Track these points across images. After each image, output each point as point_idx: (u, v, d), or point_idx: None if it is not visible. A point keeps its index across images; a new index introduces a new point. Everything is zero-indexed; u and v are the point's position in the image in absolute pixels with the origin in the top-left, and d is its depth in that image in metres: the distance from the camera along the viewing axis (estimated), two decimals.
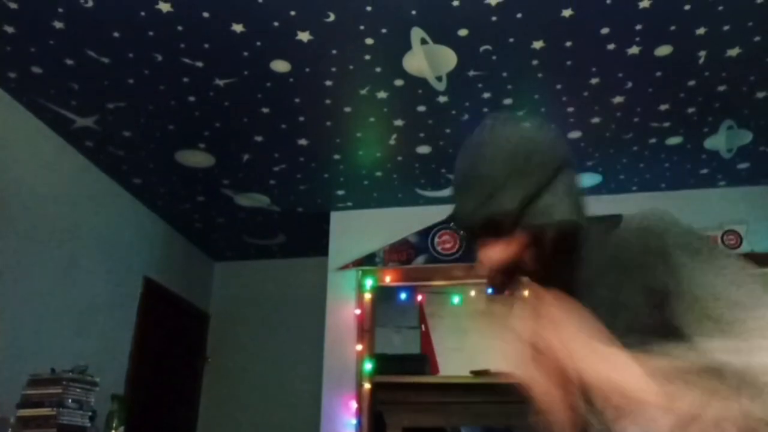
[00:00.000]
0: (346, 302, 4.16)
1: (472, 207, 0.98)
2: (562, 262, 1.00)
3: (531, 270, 1.00)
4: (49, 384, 2.76)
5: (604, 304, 0.95)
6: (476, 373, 3.90)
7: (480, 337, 4.40)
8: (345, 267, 4.23)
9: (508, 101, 3.19)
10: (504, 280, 1.02)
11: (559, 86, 3.08)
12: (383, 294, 4.25)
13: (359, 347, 4.00)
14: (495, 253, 0.99)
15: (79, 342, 3.61)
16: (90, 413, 2.84)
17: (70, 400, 2.75)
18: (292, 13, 2.59)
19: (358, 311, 4.11)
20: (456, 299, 4.53)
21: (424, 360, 4.04)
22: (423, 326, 4.40)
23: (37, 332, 3.30)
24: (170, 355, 4.73)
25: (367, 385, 3.89)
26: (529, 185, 0.96)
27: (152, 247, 4.54)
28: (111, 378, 3.74)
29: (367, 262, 4.22)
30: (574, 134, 3.49)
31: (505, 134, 1.01)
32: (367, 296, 4.14)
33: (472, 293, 4.08)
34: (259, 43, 2.77)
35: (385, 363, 3.92)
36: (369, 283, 4.15)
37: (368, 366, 3.95)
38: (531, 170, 0.97)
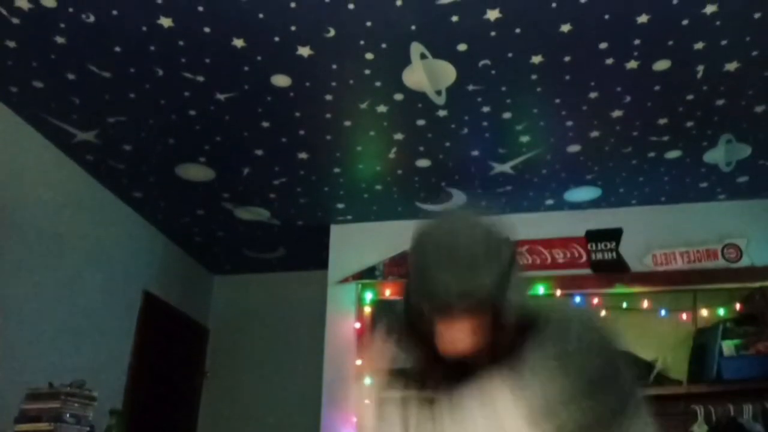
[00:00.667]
0: (346, 316, 4.15)
1: (462, 281, 1.00)
2: (514, 346, 1.06)
3: (488, 351, 1.04)
4: (47, 398, 2.75)
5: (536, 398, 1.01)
6: None
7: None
8: (345, 280, 4.22)
9: (507, 115, 3.21)
10: (465, 358, 1.05)
11: (558, 100, 3.10)
12: (383, 308, 4.24)
13: (359, 362, 3.98)
14: (467, 332, 1.02)
15: (78, 356, 3.59)
16: (88, 428, 2.82)
17: (68, 415, 2.73)
18: (293, 28, 2.61)
19: (357, 325, 4.10)
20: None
21: None
22: None
23: (35, 346, 3.29)
24: (169, 370, 4.71)
25: (367, 401, 3.86)
26: (501, 268, 1.03)
27: (152, 260, 4.54)
28: (109, 392, 3.72)
29: (367, 275, 4.21)
30: (574, 148, 3.50)
31: (475, 220, 1.10)
32: (367, 310, 4.13)
33: None
34: (259, 58, 2.78)
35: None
36: (369, 296, 4.14)
37: (368, 380, 3.92)
38: (503, 254, 1.04)
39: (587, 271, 4.07)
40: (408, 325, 1.11)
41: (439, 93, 3.03)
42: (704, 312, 3.92)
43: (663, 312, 3.96)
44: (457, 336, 1.02)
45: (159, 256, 4.64)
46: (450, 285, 0.99)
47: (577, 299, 3.94)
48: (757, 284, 3.81)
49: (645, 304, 3.96)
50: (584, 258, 4.10)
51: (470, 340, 1.02)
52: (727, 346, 3.55)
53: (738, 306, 3.86)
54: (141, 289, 4.35)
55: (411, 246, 1.08)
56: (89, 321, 3.75)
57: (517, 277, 1.07)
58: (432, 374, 1.10)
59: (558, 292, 3.93)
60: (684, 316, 3.96)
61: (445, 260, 1.01)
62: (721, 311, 3.89)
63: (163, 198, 4.13)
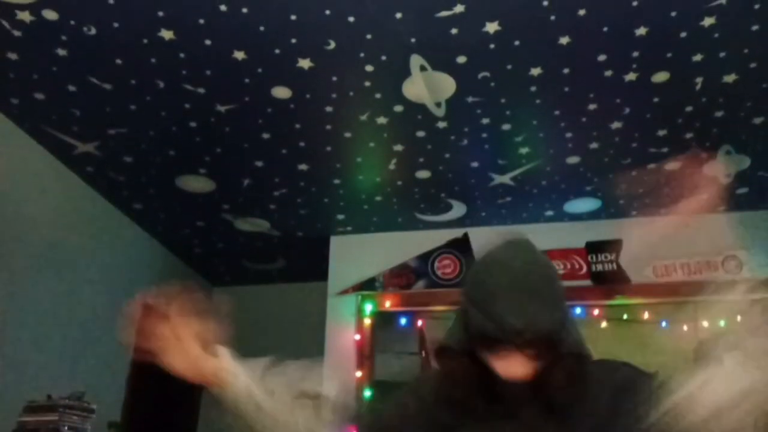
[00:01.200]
0: (346, 327, 4.14)
1: (536, 314, 1.00)
2: (570, 390, 1.07)
3: (546, 380, 1.06)
4: (45, 411, 2.73)
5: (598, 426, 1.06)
6: None
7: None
8: (344, 292, 4.21)
9: (506, 127, 3.21)
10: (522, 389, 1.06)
11: (557, 112, 3.11)
12: (383, 319, 4.23)
13: (359, 374, 3.96)
14: (530, 361, 1.03)
15: (76, 368, 3.58)
16: None
17: (66, 428, 2.72)
18: (293, 40, 2.62)
19: (357, 337, 4.08)
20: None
21: None
22: (423, 352, 4.36)
23: (34, 358, 3.28)
24: (168, 382, 4.67)
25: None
26: (564, 302, 1.08)
27: (151, 272, 4.53)
28: (108, 404, 3.69)
29: (367, 286, 4.21)
30: (573, 159, 3.51)
31: (542, 256, 1.12)
32: (367, 321, 4.12)
33: None
34: (260, 70, 2.79)
35: (385, 390, 3.88)
36: (369, 308, 4.13)
37: (368, 393, 3.91)
38: (563, 295, 1.08)
39: (587, 282, 4.06)
40: (462, 345, 1.10)
41: (438, 105, 3.04)
42: (705, 324, 3.91)
43: (664, 324, 3.95)
44: (520, 364, 1.04)
45: (158, 267, 4.63)
46: (522, 315, 0.99)
47: (578, 311, 3.93)
48: (758, 296, 3.79)
49: (646, 315, 3.95)
50: (584, 269, 4.10)
51: (531, 368, 1.04)
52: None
53: (739, 318, 3.84)
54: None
55: (478, 268, 1.10)
56: (88, 333, 3.73)
57: (574, 321, 1.11)
58: (473, 400, 1.09)
59: None
60: (685, 327, 3.95)
61: (518, 289, 1.02)
62: (722, 323, 3.87)
63: (163, 209, 4.13)
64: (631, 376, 1.13)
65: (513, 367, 1.04)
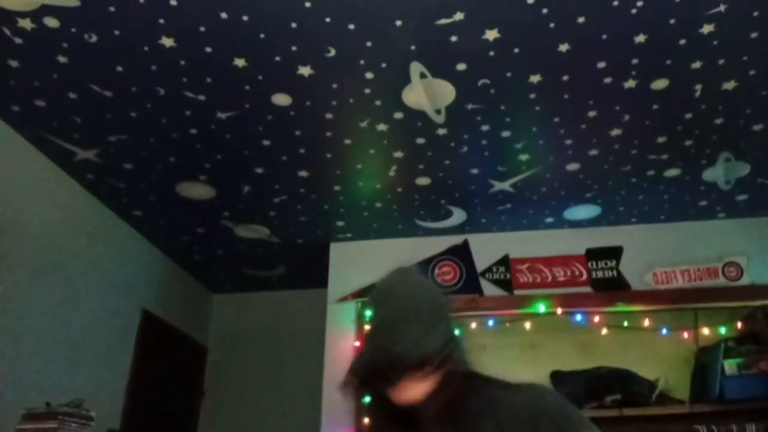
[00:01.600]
0: (346, 334, 4.13)
1: (411, 343, 1.10)
2: (453, 405, 1.16)
3: (428, 409, 1.16)
4: (44, 418, 2.72)
5: None
6: None
7: (481, 371, 4.35)
8: (344, 299, 4.21)
9: (506, 134, 3.22)
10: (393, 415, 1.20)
11: (556, 119, 3.11)
12: None
13: None
14: (411, 392, 1.14)
15: (75, 375, 3.57)
16: None
17: None
18: (294, 48, 2.63)
19: (357, 344, 4.07)
20: (456, 332, 4.49)
21: None
22: None
23: (33, 365, 3.27)
24: (167, 389, 4.67)
25: (366, 420, 3.83)
26: (446, 331, 1.16)
27: (151, 279, 4.52)
28: (107, 412, 3.69)
29: (367, 293, 4.19)
30: (573, 166, 3.51)
31: (420, 283, 1.22)
32: (367, 328, 4.10)
33: (473, 326, 4.05)
34: (260, 77, 2.80)
35: (385, 395, 3.86)
36: (369, 314, 4.12)
37: (368, 399, 3.88)
38: (445, 317, 1.18)
39: (588, 289, 4.06)
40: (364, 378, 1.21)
41: (438, 112, 3.05)
42: (705, 331, 3.90)
43: (664, 331, 3.94)
44: (404, 391, 1.15)
45: (158, 274, 4.63)
46: (403, 345, 1.10)
47: (578, 317, 3.92)
48: (758, 303, 3.79)
49: (646, 322, 3.94)
50: (585, 276, 4.10)
51: (420, 393, 1.15)
52: (729, 366, 3.52)
53: (739, 325, 3.84)
54: (140, 308, 4.33)
55: (368, 304, 1.23)
56: (87, 340, 3.73)
57: (460, 340, 1.21)
58: (389, 427, 1.23)
59: (559, 311, 3.92)
60: (685, 334, 3.94)
61: (392, 324, 1.14)
62: (723, 330, 3.87)
63: (163, 216, 4.13)
64: (533, 408, 1.15)
65: (400, 393, 1.16)
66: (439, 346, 1.13)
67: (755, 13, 2.47)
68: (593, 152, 3.39)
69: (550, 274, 4.11)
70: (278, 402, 4.98)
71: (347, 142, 3.29)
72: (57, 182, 3.54)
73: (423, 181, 3.66)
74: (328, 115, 3.07)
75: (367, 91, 2.90)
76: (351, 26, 2.52)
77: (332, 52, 2.66)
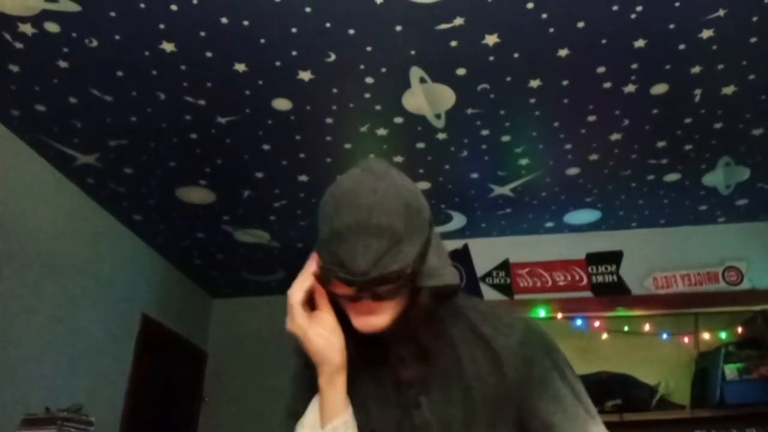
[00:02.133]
0: None
1: (382, 255, 0.88)
2: (431, 323, 0.99)
3: (405, 327, 0.96)
4: (43, 423, 2.71)
5: (456, 372, 0.98)
6: None
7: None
8: None
9: (506, 138, 3.22)
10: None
11: (556, 124, 3.12)
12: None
13: None
14: (383, 308, 0.93)
15: (75, 380, 3.56)
16: None
17: None
18: (294, 53, 2.63)
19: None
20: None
21: None
22: None
23: (32, 370, 3.26)
24: (166, 394, 4.66)
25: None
26: (420, 241, 0.93)
27: (151, 283, 4.52)
28: (106, 417, 3.68)
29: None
30: (573, 171, 3.52)
31: (396, 185, 0.97)
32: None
33: None
34: (260, 82, 2.81)
35: None
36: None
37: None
38: (421, 225, 0.94)
39: (588, 293, 4.05)
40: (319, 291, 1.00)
41: (438, 116, 3.05)
42: (706, 335, 3.89)
43: (665, 335, 3.93)
44: (372, 312, 0.93)
45: (158, 279, 4.62)
46: (372, 257, 0.88)
47: (579, 322, 3.92)
48: (759, 307, 3.78)
49: (646, 327, 3.93)
50: (585, 281, 4.09)
51: (386, 316, 0.94)
52: (730, 370, 3.51)
53: (740, 329, 3.83)
54: (139, 313, 4.33)
55: (327, 202, 0.99)
56: (87, 344, 3.72)
57: (442, 250, 1.01)
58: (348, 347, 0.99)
59: (559, 315, 3.91)
60: (686, 339, 3.93)
61: (362, 231, 0.89)
62: (723, 335, 3.86)
63: (163, 221, 4.13)
64: (514, 334, 0.98)
65: (361, 317, 0.94)
66: (416, 254, 0.91)
67: (754, 18, 2.48)
68: (593, 157, 3.39)
69: (550, 279, 4.11)
70: (278, 407, 4.96)
71: (347, 146, 3.29)
72: (57, 187, 3.54)
73: (423, 185, 3.67)
74: (328, 120, 3.07)
75: (367, 95, 2.90)
76: (351, 31, 2.52)
77: (332, 57, 2.66)
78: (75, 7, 2.41)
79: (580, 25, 2.50)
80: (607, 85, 2.84)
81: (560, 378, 0.98)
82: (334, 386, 0.98)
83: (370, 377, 1.01)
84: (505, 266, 4.19)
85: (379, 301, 0.92)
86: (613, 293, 4.01)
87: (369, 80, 2.80)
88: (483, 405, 0.95)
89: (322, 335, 0.97)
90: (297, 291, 1.00)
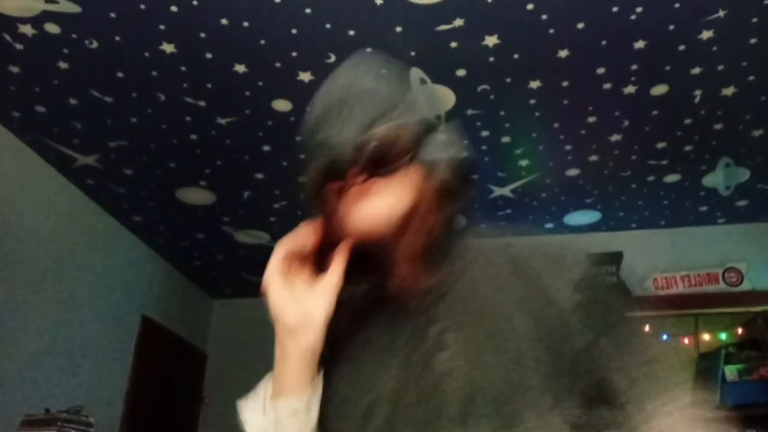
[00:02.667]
0: None
1: (370, 120, 0.73)
2: (449, 228, 0.77)
3: (416, 225, 0.73)
4: (43, 425, 2.71)
5: (492, 313, 0.72)
6: None
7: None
8: None
9: (506, 139, 3.22)
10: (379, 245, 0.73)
11: (556, 125, 3.12)
12: None
13: None
14: (385, 192, 0.72)
15: (74, 381, 3.56)
16: None
17: None
18: (294, 54, 2.63)
19: None
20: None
21: None
22: None
23: (32, 371, 3.26)
24: (166, 396, 4.66)
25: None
26: (423, 113, 0.77)
27: (150, 285, 4.52)
28: (106, 419, 3.67)
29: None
30: (573, 172, 3.51)
31: (392, 65, 0.82)
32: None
33: None
34: (260, 83, 2.81)
35: None
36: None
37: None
38: (423, 100, 0.79)
39: None
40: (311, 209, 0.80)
41: (438, 117, 3.05)
42: (706, 336, 3.89)
43: (665, 336, 3.93)
44: (369, 194, 0.72)
45: (158, 280, 4.62)
46: (350, 128, 0.73)
47: None
48: (759, 308, 3.78)
49: (646, 328, 3.92)
50: None
51: (387, 198, 0.72)
52: (730, 372, 3.51)
53: (740, 330, 3.83)
54: (139, 314, 4.32)
55: (311, 102, 0.84)
56: (86, 346, 3.72)
57: (455, 132, 0.81)
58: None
59: None
60: (686, 340, 3.93)
61: (344, 99, 0.77)
62: (723, 336, 3.86)
63: (163, 222, 4.13)
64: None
65: (350, 215, 0.73)
66: (416, 120, 0.75)
67: (754, 19, 2.48)
68: (593, 158, 3.39)
69: None
70: None
71: None
72: (57, 188, 3.54)
73: None
74: None
75: None
76: (351, 32, 2.52)
77: (332, 58, 2.66)
78: (75, 8, 2.41)
79: (580, 26, 2.50)
80: (607, 86, 2.84)
81: (634, 333, 0.76)
82: (286, 356, 0.78)
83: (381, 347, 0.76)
84: None
85: (376, 181, 0.72)
86: None
87: None
88: (534, 362, 0.69)
89: (285, 291, 0.77)
90: (284, 243, 0.81)
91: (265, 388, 0.81)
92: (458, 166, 0.77)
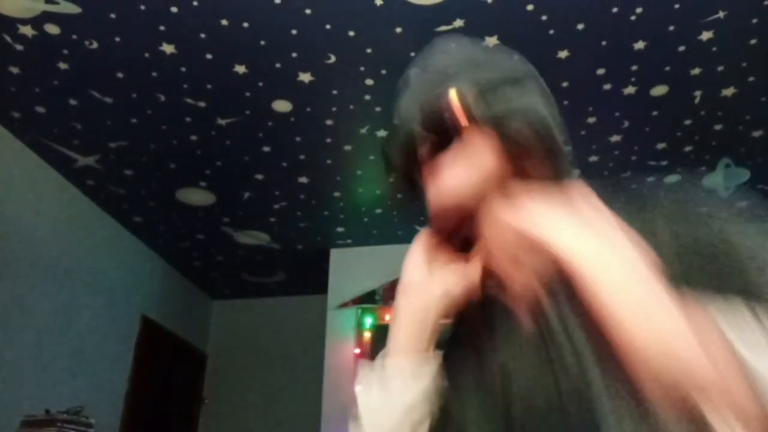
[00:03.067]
0: (346, 341, 4.12)
1: (416, 103, 0.70)
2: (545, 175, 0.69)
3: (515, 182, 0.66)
4: (43, 425, 2.72)
5: None
6: None
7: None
8: (344, 305, 4.20)
9: None
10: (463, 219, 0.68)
11: None
12: (383, 333, 4.20)
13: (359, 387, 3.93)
14: (452, 166, 0.67)
15: (74, 382, 3.56)
16: None
17: None
18: (294, 54, 2.64)
19: (357, 350, 4.06)
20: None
21: None
22: None
23: (32, 372, 3.26)
24: (166, 396, 4.66)
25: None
26: (487, 74, 0.71)
27: (151, 285, 4.52)
28: (106, 419, 3.67)
29: (367, 300, 4.19)
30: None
31: (471, 41, 0.77)
32: (367, 335, 4.10)
33: None
34: (260, 84, 2.81)
35: None
36: (369, 321, 4.12)
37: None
38: (492, 63, 0.73)
39: None
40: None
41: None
42: None
43: None
44: (439, 172, 0.68)
45: (158, 280, 4.62)
46: (410, 98, 0.71)
47: None
48: None
49: None
50: None
51: (457, 171, 0.67)
52: None
53: None
54: (139, 315, 4.32)
55: None
56: (87, 346, 3.72)
57: (536, 90, 0.74)
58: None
59: None
60: None
61: (405, 89, 0.73)
62: None
63: (163, 222, 4.13)
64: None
65: (434, 175, 0.69)
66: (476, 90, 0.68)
67: (754, 20, 2.48)
68: (593, 158, 3.39)
69: None
70: (278, 409, 4.97)
71: (347, 148, 3.29)
72: (57, 188, 3.54)
73: None
74: (329, 122, 3.07)
75: (367, 97, 2.90)
76: (351, 33, 2.52)
77: (332, 59, 2.66)
78: (75, 9, 2.41)
79: (580, 27, 2.50)
80: (607, 86, 2.84)
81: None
82: (398, 314, 0.72)
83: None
84: None
85: (443, 154, 0.68)
86: None
87: (369, 82, 2.80)
88: None
89: (420, 255, 0.75)
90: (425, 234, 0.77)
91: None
92: (533, 121, 0.69)
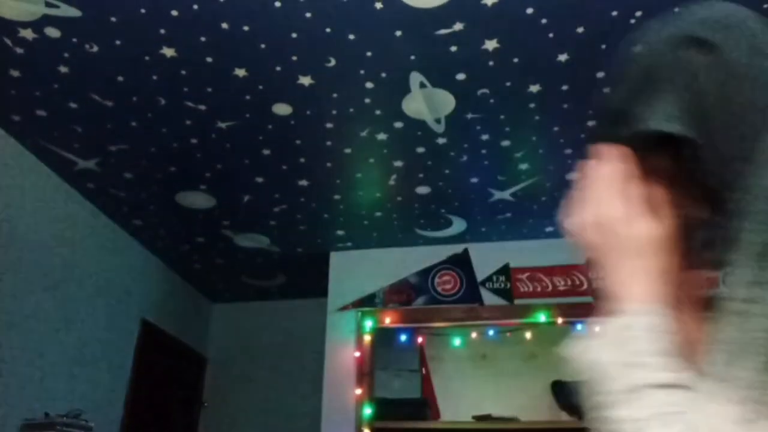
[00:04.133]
0: (346, 344, 4.12)
1: (623, 93, 0.66)
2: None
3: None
4: (43, 429, 2.71)
5: None
6: (478, 418, 3.83)
7: (481, 381, 4.33)
8: (344, 308, 4.20)
9: (506, 143, 3.22)
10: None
11: (556, 128, 3.12)
12: (383, 336, 4.21)
13: (359, 391, 3.94)
14: (589, 206, 0.62)
15: (74, 386, 3.55)
16: None
17: None
18: (294, 58, 2.64)
19: (357, 354, 4.06)
20: (457, 341, 4.48)
21: (425, 404, 3.97)
22: (423, 369, 4.34)
23: (31, 375, 3.25)
24: (167, 399, 4.65)
25: (366, 431, 3.81)
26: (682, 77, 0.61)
27: (150, 289, 4.52)
28: (106, 423, 3.67)
29: (367, 303, 4.19)
30: (573, 175, 3.51)
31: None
32: (367, 338, 4.10)
33: (473, 335, 4.04)
34: (260, 87, 2.81)
35: (385, 407, 3.85)
36: (369, 324, 4.11)
37: (368, 410, 3.87)
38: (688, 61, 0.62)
39: (589, 298, 4.05)
40: None
41: (438, 121, 3.05)
42: None
43: None
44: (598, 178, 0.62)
45: (158, 284, 4.62)
46: (615, 94, 0.66)
47: (579, 327, 3.91)
48: None
49: None
50: (586, 285, 4.09)
51: (577, 222, 0.63)
52: None
53: None
54: (139, 318, 4.32)
55: None
56: (86, 350, 3.72)
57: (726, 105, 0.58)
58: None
59: (559, 320, 3.91)
60: None
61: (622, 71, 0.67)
62: None
63: (163, 226, 4.13)
64: None
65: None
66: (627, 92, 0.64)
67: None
68: None
69: (550, 284, 4.10)
70: (278, 412, 4.96)
71: (347, 151, 3.30)
72: (57, 191, 3.54)
73: (423, 190, 3.67)
74: (329, 125, 3.08)
75: (367, 100, 2.90)
76: (351, 36, 2.53)
77: (332, 62, 2.67)
78: (75, 13, 2.41)
79: (580, 30, 2.50)
80: (607, 90, 2.84)
81: None
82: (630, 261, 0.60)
83: None
84: (505, 271, 4.18)
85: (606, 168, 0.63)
86: None
87: (369, 85, 2.80)
88: None
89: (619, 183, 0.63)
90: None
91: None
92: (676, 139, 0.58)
